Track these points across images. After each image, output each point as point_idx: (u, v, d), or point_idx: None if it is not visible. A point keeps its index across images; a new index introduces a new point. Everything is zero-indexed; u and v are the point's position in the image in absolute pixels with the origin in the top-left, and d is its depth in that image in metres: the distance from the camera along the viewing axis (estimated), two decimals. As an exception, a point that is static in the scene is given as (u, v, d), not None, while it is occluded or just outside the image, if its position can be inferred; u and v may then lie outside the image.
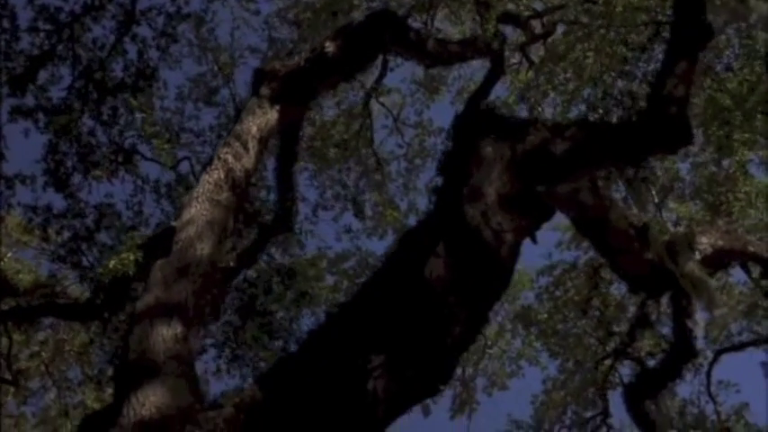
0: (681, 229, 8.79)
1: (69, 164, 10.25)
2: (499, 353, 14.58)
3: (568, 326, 12.12)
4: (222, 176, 6.85)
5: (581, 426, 12.91)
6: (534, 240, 5.23)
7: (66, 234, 10.16)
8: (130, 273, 6.38)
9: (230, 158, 7.00)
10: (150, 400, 4.75)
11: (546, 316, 11.41)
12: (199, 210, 6.51)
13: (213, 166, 6.96)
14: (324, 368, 4.13)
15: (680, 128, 6.08)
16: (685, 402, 13.35)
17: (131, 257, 6.49)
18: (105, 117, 10.25)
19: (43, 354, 13.47)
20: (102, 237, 10.01)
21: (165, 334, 5.46)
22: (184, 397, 4.82)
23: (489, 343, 14.47)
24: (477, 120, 5.32)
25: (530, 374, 15.29)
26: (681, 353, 10.00)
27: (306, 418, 3.99)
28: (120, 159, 9.97)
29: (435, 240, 4.57)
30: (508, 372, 14.66)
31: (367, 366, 4.06)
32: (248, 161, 7.14)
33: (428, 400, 14.34)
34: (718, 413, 12.61)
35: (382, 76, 12.76)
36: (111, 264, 6.51)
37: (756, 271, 11.69)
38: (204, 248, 6.21)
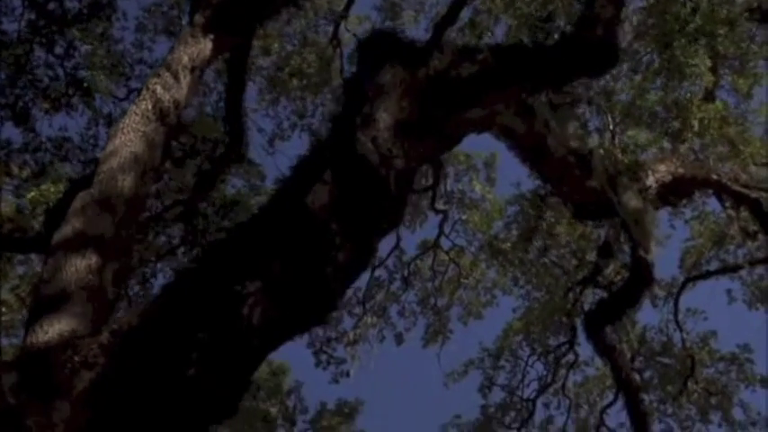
0: (638, 156, 8.65)
1: (27, 98, 10.19)
2: (474, 283, 14.66)
3: (535, 256, 12.12)
4: (150, 107, 6.75)
5: (548, 353, 13.08)
6: (440, 166, 5.15)
7: (29, 169, 10.17)
8: (50, 204, 6.37)
9: (159, 89, 6.88)
10: (52, 328, 4.81)
11: (509, 245, 11.38)
12: (123, 141, 6.44)
13: (141, 97, 6.86)
14: (200, 295, 4.15)
15: (605, 50, 5.93)
16: (653, 330, 13.56)
17: (52, 189, 6.47)
18: (60, 50, 10.15)
19: (21, 288, 13.67)
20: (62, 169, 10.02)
21: (79, 265, 5.48)
22: (86, 326, 4.88)
23: (464, 273, 14.57)
24: (379, 45, 5.18)
25: (506, 304, 15.46)
26: (636, 281, 10.00)
27: (179, 345, 4.02)
28: (74, 93, 9.88)
29: (324, 167, 4.52)
30: (483, 301, 14.78)
31: (242, 293, 4.06)
32: (178, 92, 7.01)
33: (401, 330, 14.74)
34: (683, 340, 12.73)
35: (351, 3, 12.53)
36: (31, 195, 6.50)
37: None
38: (126, 180, 6.18)
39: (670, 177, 9.84)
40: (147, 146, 6.55)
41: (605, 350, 11.22)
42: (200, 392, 4.05)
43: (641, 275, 10.04)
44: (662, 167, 9.70)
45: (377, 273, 14.06)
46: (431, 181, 12.95)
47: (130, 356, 4.03)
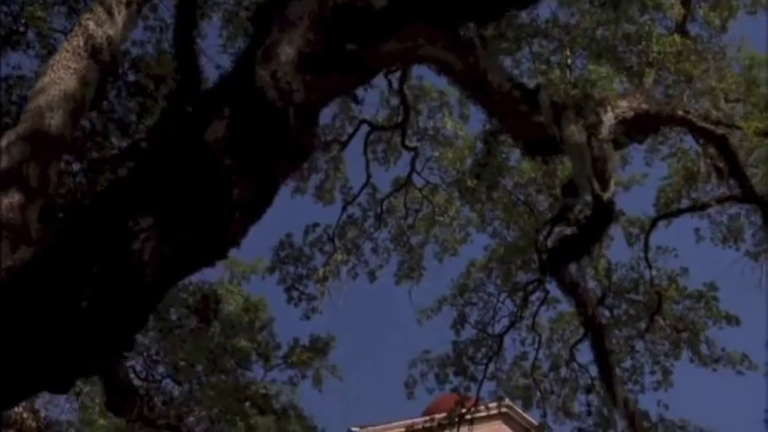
0: (588, 90, 8.49)
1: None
2: (448, 220, 14.65)
3: (503, 193, 12.10)
4: (81, 44, 6.64)
5: (517, 290, 13.17)
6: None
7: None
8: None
9: (91, 25, 6.75)
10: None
11: (475, 182, 11.33)
12: (53, 79, 6.37)
13: (73, 34, 6.74)
14: (94, 232, 4.14)
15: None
16: (624, 267, 13.59)
17: None
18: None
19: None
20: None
21: (2, 203, 5.49)
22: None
23: (438, 210, 14.56)
24: (289, -25, 5.04)
25: (481, 242, 15.43)
26: (597, 218, 9.97)
27: (71, 280, 4.03)
28: (25, 29, 9.73)
29: (224, 103, 4.46)
30: (458, 239, 14.80)
31: (134, 229, 4.05)
32: (112, 28, 6.88)
33: (374, 267, 14.80)
34: (651, 278, 12.76)
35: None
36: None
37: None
38: (54, 119, 6.13)
39: (632, 113, 9.68)
40: (79, 83, 6.47)
41: (569, 287, 11.28)
42: (94, 327, 4.09)
43: (601, 213, 10.01)
44: (623, 103, 9.53)
45: (350, 210, 14.09)
46: (401, 117, 12.86)
47: (23, 292, 4.06)
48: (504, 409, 21.09)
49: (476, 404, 13.53)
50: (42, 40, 9.92)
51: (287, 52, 4.59)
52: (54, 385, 4.22)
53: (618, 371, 14.16)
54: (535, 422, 16.54)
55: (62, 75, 6.46)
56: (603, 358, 11.73)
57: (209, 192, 4.22)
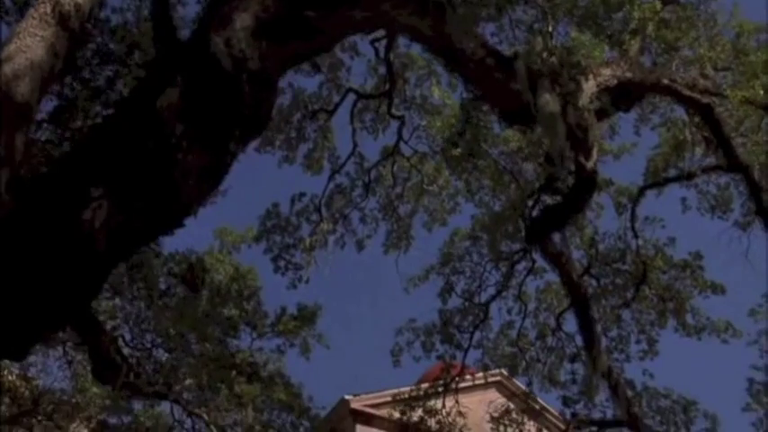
0: (564, 57, 8.38)
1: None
2: (437, 189, 14.60)
3: (490, 162, 12.03)
4: (48, 11, 6.55)
5: (503, 259, 13.17)
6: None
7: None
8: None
9: (59, -10, 6.66)
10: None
11: (460, 151, 11.26)
12: (19, 46, 6.29)
13: (40, 0, 6.65)
14: (47, 200, 4.13)
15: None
16: (612, 237, 13.57)
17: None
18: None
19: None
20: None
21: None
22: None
23: (427, 180, 14.52)
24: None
25: (471, 212, 15.39)
26: (579, 187, 9.93)
27: (23, 249, 4.03)
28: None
29: (178, 70, 4.41)
30: (447, 208, 14.77)
31: (85, 197, 4.03)
32: (80, -6, 6.79)
33: (362, 236, 14.80)
34: (638, 247, 12.75)
35: None
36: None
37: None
38: (21, 87, 6.07)
39: (615, 82, 9.60)
40: (46, 51, 6.39)
41: (552, 256, 11.30)
42: (46, 295, 4.09)
43: (583, 182, 9.98)
44: (606, 71, 9.44)
45: (338, 179, 14.05)
46: (387, 86, 12.76)
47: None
48: (498, 378, 21.30)
49: (462, 372, 13.60)
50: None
51: (243, 19, 4.54)
52: (8, 352, 4.24)
53: (604, 340, 14.28)
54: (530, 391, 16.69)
55: (29, 42, 6.34)
56: (587, 327, 11.78)
57: (160, 159, 4.20)
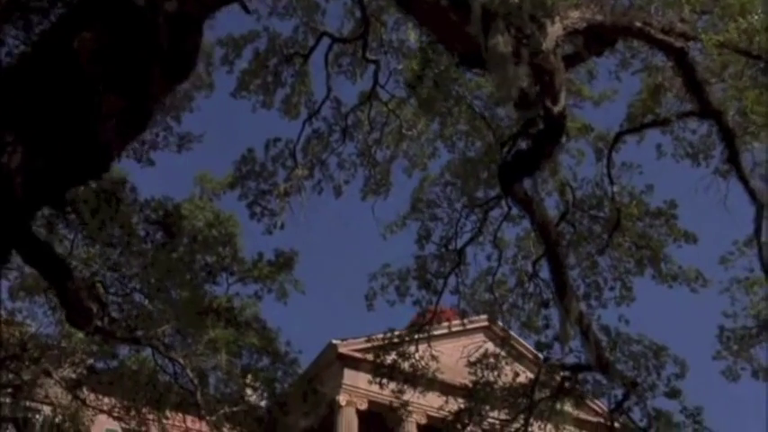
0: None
1: None
2: (417, 134, 14.47)
3: (465, 107, 11.90)
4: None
5: (479, 205, 13.13)
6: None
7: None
8: None
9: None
10: None
11: (426, 96, 11.09)
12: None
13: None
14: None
15: None
16: (590, 184, 13.49)
17: None
18: None
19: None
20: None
21: None
22: None
23: (405, 125, 14.37)
24: None
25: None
26: (548, 132, 9.81)
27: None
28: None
29: (95, 11, 4.30)
30: (427, 153, 14.65)
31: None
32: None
33: (340, 182, 14.74)
34: (613, 194, 12.67)
35: None
36: None
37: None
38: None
39: (584, 24, 9.41)
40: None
41: (522, 202, 11.22)
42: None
43: (551, 127, 9.86)
44: (575, 14, 9.25)
45: (315, 125, 13.91)
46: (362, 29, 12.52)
47: None
48: (486, 324, 21.49)
49: (448, 317, 13.68)
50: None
51: (160, -42, 4.40)
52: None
53: (582, 286, 14.36)
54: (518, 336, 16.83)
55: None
56: (559, 273, 11.77)
57: (77, 103, 4.12)
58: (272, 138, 13.20)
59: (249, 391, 14.00)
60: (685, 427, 12.98)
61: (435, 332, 21.74)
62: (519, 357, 16.16)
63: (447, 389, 19.30)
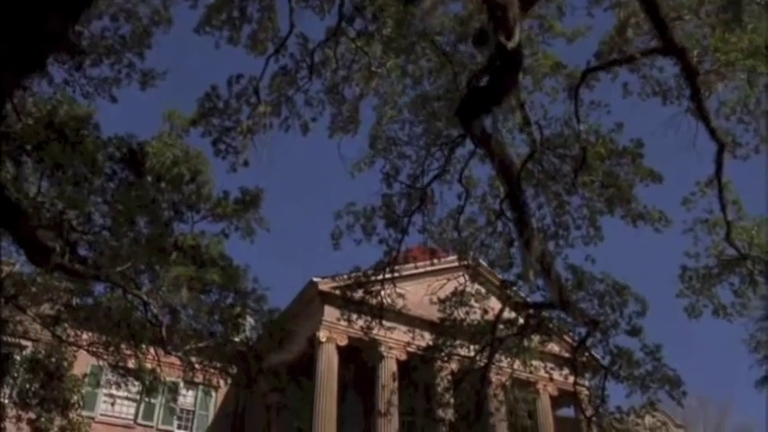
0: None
1: None
2: (386, 72, 14.25)
3: (428, 44, 11.67)
4: None
5: (444, 143, 13.04)
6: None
7: None
8: None
9: None
10: None
11: (389, 32, 10.86)
12: None
13: None
14: None
15: None
16: (558, 122, 13.36)
17: None
18: None
19: None
20: None
21: None
22: None
23: (374, 62, 14.15)
24: None
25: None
26: (503, 67, 9.65)
27: None
28: None
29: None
30: (397, 91, 14.47)
31: None
32: None
33: (307, 120, 14.60)
34: (579, 132, 12.54)
35: None
36: None
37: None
38: None
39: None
40: None
41: (481, 139, 11.13)
42: None
43: (506, 62, 9.70)
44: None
45: (282, 62, 13.68)
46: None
47: None
48: (466, 262, 21.62)
49: (398, 254, 13.70)
50: None
51: None
52: None
53: (552, 226, 14.38)
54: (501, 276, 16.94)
55: None
56: (520, 212, 11.78)
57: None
58: (234, 74, 12.99)
59: (219, 327, 14.13)
60: (645, 364, 13.19)
61: (411, 271, 22.07)
62: (489, 295, 16.25)
63: (424, 326, 19.58)
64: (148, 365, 17.64)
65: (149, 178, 13.88)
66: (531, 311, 13.57)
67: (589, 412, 14.12)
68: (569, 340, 17.75)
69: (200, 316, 12.94)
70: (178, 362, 15.99)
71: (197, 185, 13.54)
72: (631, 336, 13.10)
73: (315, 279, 24.81)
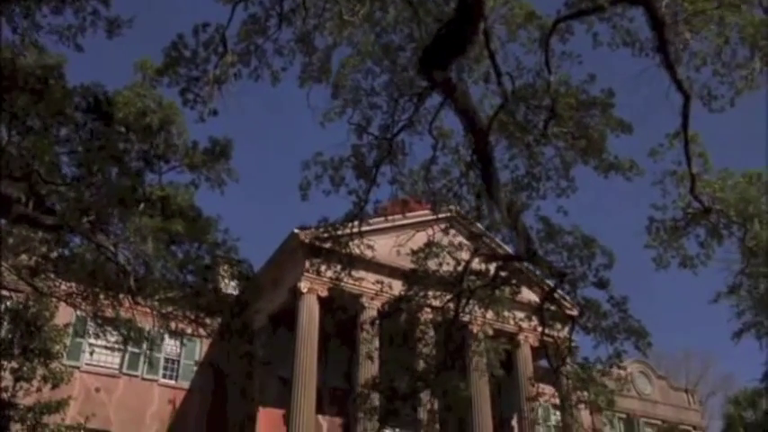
0: None
1: None
2: (359, 22, 14.03)
3: None
4: None
5: (414, 94, 12.91)
6: None
7: None
8: None
9: None
10: None
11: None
12: None
13: None
14: None
15: None
16: (530, 73, 13.22)
17: None
18: None
19: None
20: None
21: None
22: None
23: (346, 11, 13.92)
24: None
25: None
26: (463, 15, 9.51)
27: None
28: None
29: None
30: (371, 40, 14.26)
31: None
32: None
33: (278, 69, 14.40)
34: (549, 83, 12.41)
35: None
36: None
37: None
38: None
39: None
40: None
41: (444, 88, 11.02)
42: None
43: (465, 10, 9.57)
44: None
45: (252, 10, 13.44)
46: None
47: None
48: (448, 214, 21.64)
49: (364, 207, 13.65)
50: None
51: None
52: None
53: (526, 178, 14.35)
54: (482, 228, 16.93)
55: None
56: (485, 163, 11.73)
57: None
58: (200, 23, 12.77)
59: (191, 278, 14.18)
60: (612, 315, 13.30)
61: (391, 223, 22.11)
62: (462, 247, 16.28)
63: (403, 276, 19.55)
64: (127, 315, 17.74)
65: (119, 129, 13.77)
66: (500, 263, 13.61)
67: (558, 363, 14.30)
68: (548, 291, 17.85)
69: (170, 267, 12.95)
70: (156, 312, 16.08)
71: (166, 135, 13.43)
72: (599, 288, 13.18)
73: (296, 231, 24.84)
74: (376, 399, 15.40)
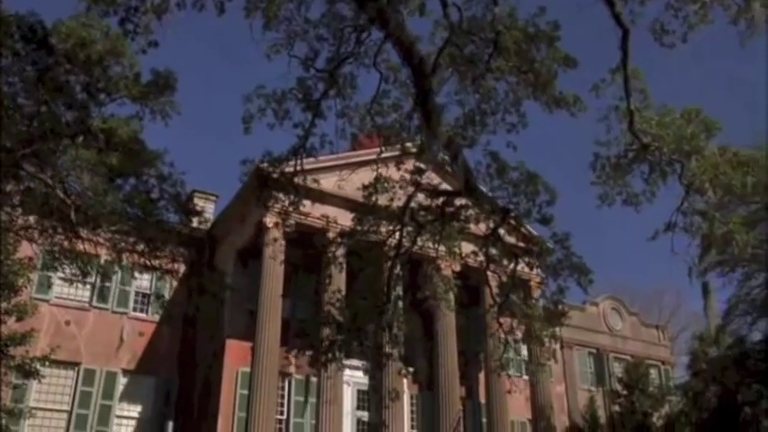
0: None
1: None
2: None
3: None
4: None
5: (355, 27, 12.64)
6: None
7: None
8: None
9: None
10: None
11: None
12: None
13: None
14: None
15: None
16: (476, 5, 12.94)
17: None
18: None
19: None
20: None
21: None
22: None
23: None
24: None
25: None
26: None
27: None
28: None
29: None
30: None
31: None
32: None
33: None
34: (495, 15, 12.16)
35: None
36: None
37: None
38: None
39: None
40: None
41: (379, 20, 10.81)
42: None
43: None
44: None
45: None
46: None
47: None
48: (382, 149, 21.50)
49: (306, 141, 13.49)
50: None
51: None
52: None
53: (476, 112, 14.19)
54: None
55: None
56: (423, 96, 11.60)
57: None
58: (137, -52, 12.36)
59: (135, 211, 14.12)
60: (556, 252, 13.36)
61: (354, 159, 21.98)
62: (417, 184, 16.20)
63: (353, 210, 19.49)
64: (85, 248, 17.73)
65: (61, 59, 13.50)
66: (444, 199, 13.58)
67: (500, 299, 14.43)
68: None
69: (111, 200, 12.87)
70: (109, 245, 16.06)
71: (113, 67, 13.16)
72: (542, 224, 13.21)
73: (261, 165, 24.68)
74: (327, 331, 15.56)
